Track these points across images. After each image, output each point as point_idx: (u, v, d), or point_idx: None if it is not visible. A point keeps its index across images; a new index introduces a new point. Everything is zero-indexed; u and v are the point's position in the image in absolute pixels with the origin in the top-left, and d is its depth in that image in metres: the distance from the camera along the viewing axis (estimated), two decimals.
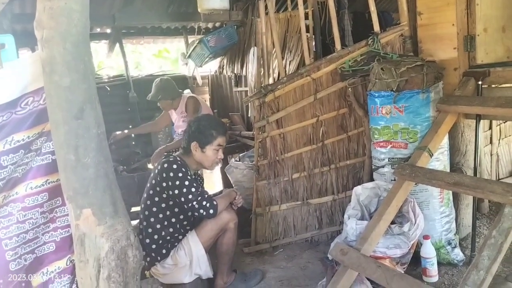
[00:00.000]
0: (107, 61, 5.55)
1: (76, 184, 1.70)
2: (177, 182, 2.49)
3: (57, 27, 1.64)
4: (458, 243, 2.72)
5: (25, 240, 1.79)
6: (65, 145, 1.69)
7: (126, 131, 4.24)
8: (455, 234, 2.72)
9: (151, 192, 2.59)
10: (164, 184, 2.51)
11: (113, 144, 4.08)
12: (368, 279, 2.37)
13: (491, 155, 3.50)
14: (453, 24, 2.69)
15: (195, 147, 2.64)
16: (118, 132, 4.15)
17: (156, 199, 2.57)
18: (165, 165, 2.53)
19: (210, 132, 2.64)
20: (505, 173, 3.65)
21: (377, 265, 2.17)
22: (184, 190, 2.49)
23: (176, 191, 2.49)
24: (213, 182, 5.22)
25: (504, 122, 3.57)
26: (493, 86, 2.65)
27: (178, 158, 2.60)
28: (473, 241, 2.66)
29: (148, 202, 2.60)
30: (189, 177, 2.54)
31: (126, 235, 1.80)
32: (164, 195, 2.55)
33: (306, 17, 3.56)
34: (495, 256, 1.91)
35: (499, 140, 3.56)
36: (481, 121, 2.62)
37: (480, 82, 2.60)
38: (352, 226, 2.50)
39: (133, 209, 3.73)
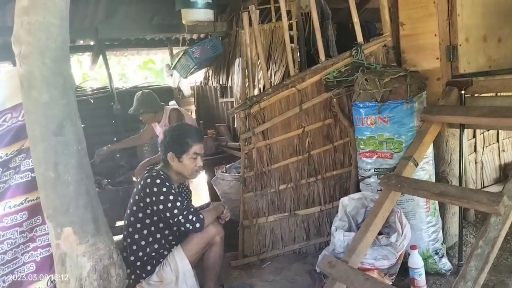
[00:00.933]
0: (91, 73, 5.48)
1: (56, 202, 1.67)
2: (161, 197, 2.44)
3: (36, 42, 1.61)
4: (445, 252, 2.72)
5: (4, 261, 1.74)
6: (44, 162, 1.65)
7: (109, 145, 4.17)
8: (442, 244, 2.72)
9: (134, 208, 2.54)
10: (148, 200, 2.47)
11: (97, 157, 4.02)
12: None
13: (475, 163, 3.53)
14: (435, 35, 2.71)
15: (171, 158, 2.58)
16: (102, 148, 4.08)
17: (140, 215, 2.52)
18: (148, 180, 2.49)
19: (185, 141, 2.57)
20: (489, 181, 3.68)
21: (365, 277, 2.15)
22: (169, 205, 2.44)
23: (161, 207, 2.45)
24: (199, 193, 5.17)
25: (488, 131, 3.60)
26: (475, 95, 2.67)
27: (161, 172, 2.55)
28: (460, 250, 2.66)
29: (132, 219, 2.55)
30: (173, 191, 2.49)
31: (109, 253, 1.76)
32: (148, 211, 2.50)
33: (290, 28, 3.57)
34: (482, 266, 1.91)
35: (483, 148, 3.59)
36: (465, 130, 2.64)
37: (463, 92, 2.61)
38: (340, 237, 2.48)
39: (118, 223, 3.68)
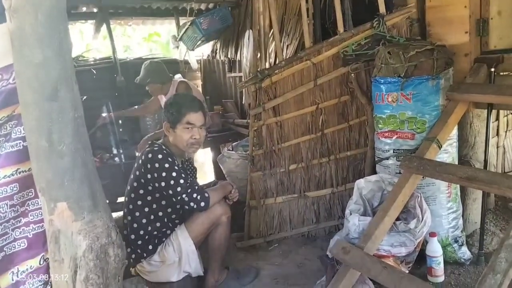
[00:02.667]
0: (94, 43, 5.28)
1: (49, 174, 1.52)
2: (164, 174, 2.28)
3: None
4: (465, 240, 2.57)
5: None
6: (36, 130, 1.50)
7: (111, 113, 4.02)
8: (462, 231, 2.56)
9: (135, 184, 2.39)
10: (149, 176, 2.31)
11: (98, 130, 3.88)
12: (370, 278, 2.22)
13: (497, 147, 3.34)
14: (465, 6, 2.51)
15: (167, 128, 2.42)
16: (104, 115, 3.93)
17: (141, 191, 2.37)
18: (149, 155, 2.32)
19: (177, 109, 2.38)
20: (511, 167, 3.50)
21: (382, 265, 2.00)
22: (172, 182, 2.29)
23: (163, 184, 2.29)
24: (204, 172, 5.03)
25: None
26: (506, 73, 2.47)
27: (164, 147, 2.39)
28: (481, 239, 2.50)
29: (133, 195, 2.40)
30: (176, 167, 2.33)
31: (107, 232, 1.62)
32: (150, 188, 2.35)
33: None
34: None
35: (506, 132, 3.40)
36: (492, 111, 2.46)
37: (492, 69, 2.43)
38: (355, 222, 2.32)
39: (120, 199, 3.55)
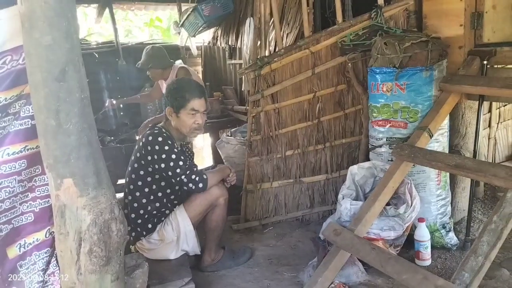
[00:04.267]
0: (96, 27, 5.32)
1: (56, 151, 1.58)
2: (163, 156, 2.36)
3: None
4: (452, 227, 2.67)
5: (1, 209, 1.67)
6: (45, 109, 1.56)
7: (119, 100, 4.10)
8: (450, 218, 2.66)
9: (135, 165, 2.47)
10: (149, 158, 2.39)
11: (100, 114, 3.95)
12: (360, 260, 2.31)
13: (488, 138, 3.43)
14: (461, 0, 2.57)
15: (170, 113, 2.48)
16: (113, 100, 4.00)
17: (141, 172, 2.45)
18: (150, 138, 2.40)
19: (182, 95, 2.44)
20: (501, 158, 3.59)
21: (371, 247, 2.10)
22: (171, 163, 2.37)
23: (163, 165, 2.37)
24: (203, 157, 5.11)
25: (504, 106, 3.49)
26: (498, 66, 2.55)
27: (164, 130, 2.46)
28: (468, 226, 2.60)
29: (133, 176, 2.48)
30: (175, 149, 2.41)
31: (110, 207, 1.69)
32: (150, 169, 2.43)
33: None
34: (494, 242, 1.85)
35: (497, 124, 3.49)
36: (483, 102, 2.53)
37: (485, 62, 2.50)
38: (346, 206, 2.42)
39: (120, 181, 3.63)
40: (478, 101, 2.51)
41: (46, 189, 1.78)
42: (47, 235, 1.80)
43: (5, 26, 1.63)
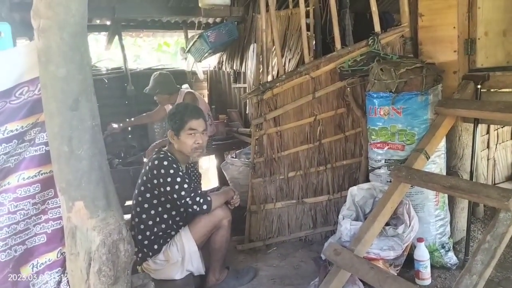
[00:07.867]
0: (106, 53, 5.50)
1: (69, 176, 1.68)
2: (169, 179, 2.46)
3: (55, 16, 1.61)
4: (452, 246, 2.72)
5: (16, 231, 1.76)
6: (59, 136, 1.67)
7: (121, 124, 4.21)
8: (449, 238, 2.71)
9: (142, 188, 2.57)
10: (156, 181, 2.49)
11: (109, 136, 4.06)
12: (360, 280, 2.36)
13: (487, 159, 3.49)
14: (454, 27, 2.68)
15: (171, 136, 2.59)
16: (114, 125, 4.12)
17: (148, 195, 2.55)
18: (156, 162, 2.50)
19: (180, 117, 2.55)
20: (501, 178, 3.64)
21: (370, 266, 2.16)
22: (177, 186, 2.46)
23: (168, 188, 2.47)
24: (208, 178, 5.20)
25: (502, 127, 3.56)
26: (492, 90, 2.64)
27: (169, 154, 2.57)
28: (467, 245, 2.65)
29: (140, 199, 2.58)
30: (180, 172, 2.51)
31: (118, 229, 1.78)
32: (156, 192, 2.53)
33: (307, 15, 3.54)
34: (488, 261, 1.90)
35: (496, 145, 3.55)
36: (479, 125, 2.61)
37: (479, 86, 2.58)
38: (347, 226, 2.48)
39: (127, 203, 3.71)
40: (473, 124, 2.59)
41: (58, 211, 1.87)
42: (59, 256, 1.88)
43: (23, 60, 1.75)
